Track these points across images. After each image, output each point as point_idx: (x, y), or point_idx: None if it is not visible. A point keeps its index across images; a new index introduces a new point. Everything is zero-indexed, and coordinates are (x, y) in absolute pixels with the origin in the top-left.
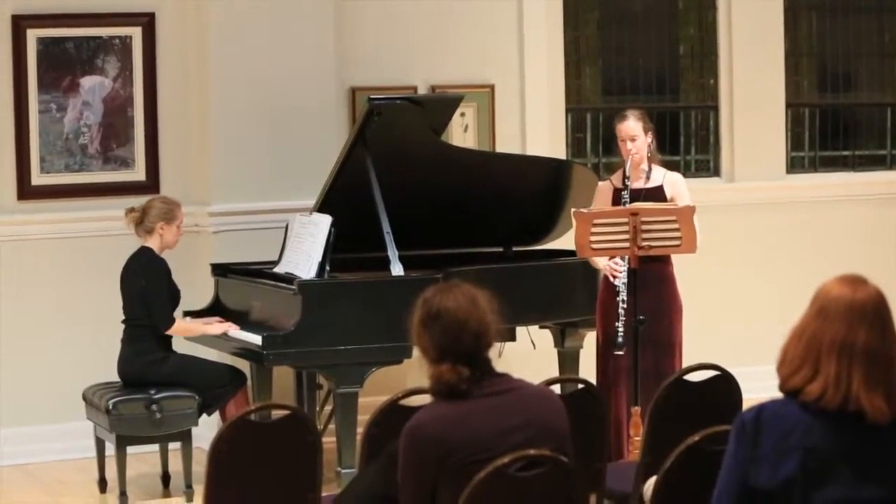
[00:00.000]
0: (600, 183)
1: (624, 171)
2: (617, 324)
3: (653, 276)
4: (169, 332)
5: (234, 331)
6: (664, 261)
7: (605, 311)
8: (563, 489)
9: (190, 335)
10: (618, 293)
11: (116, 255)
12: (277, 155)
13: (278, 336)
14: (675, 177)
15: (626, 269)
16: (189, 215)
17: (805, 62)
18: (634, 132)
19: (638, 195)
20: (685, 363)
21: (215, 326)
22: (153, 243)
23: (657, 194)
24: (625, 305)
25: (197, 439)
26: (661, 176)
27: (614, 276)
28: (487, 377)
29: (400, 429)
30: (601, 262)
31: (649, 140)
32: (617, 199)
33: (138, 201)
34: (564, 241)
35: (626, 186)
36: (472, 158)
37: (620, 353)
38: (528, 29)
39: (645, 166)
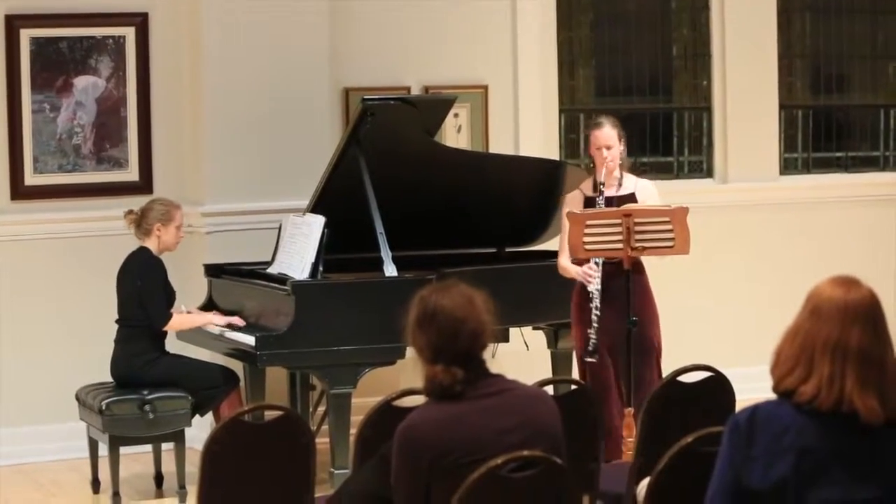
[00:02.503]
0: (569, 194)
1: (596, 179)
2: (590, 331)
3: (630, 283)
4: (168, 328)
5: (238, 324)
6: (640, 269)
7: (581, 317)
8: (556, 490)
9: (190, 327)
10: (591, 300)
11: (110, 255)
12: (271, 155)
13: (271, 337)
14: (646, 183)
15: (599, 274)
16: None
17: (798, 63)
18: (610, 141)
19: (610, 203)
20: (675, 365)
21: (219, 318)
22: (151, 244)
23: (628, 202)
24: (598, 312)
25: (190, 440)
26: (632, 183)
27: (588, 282)
28: (482, 378)
29: (393, 430)
30: (573, 270)
31: (622, 147)
32: (589, 207)
33: (132, 202)
34: (558, 243)
35: (600, 192)
36: (466, 159)
37: (593, 360)
38: (521, 30)
39: (617, 173)
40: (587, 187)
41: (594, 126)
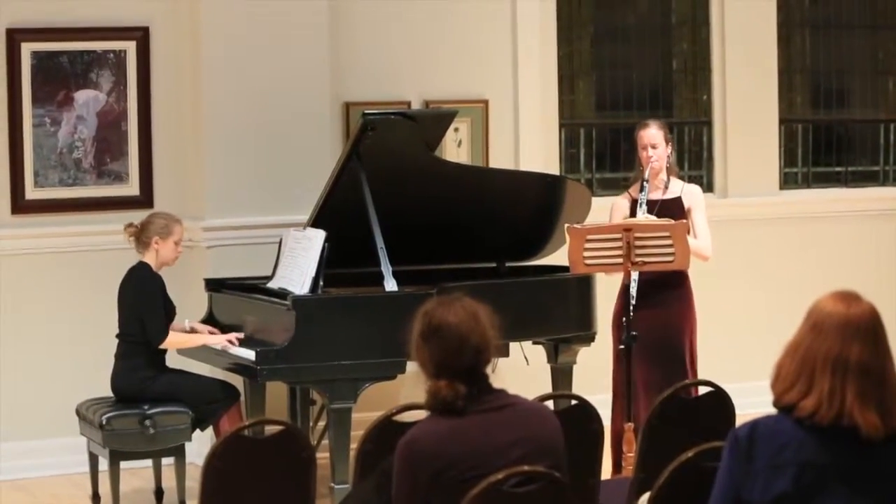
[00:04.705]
0: (616, 198)
1: (642, 180)
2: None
3: (667, 288)
4: (164, 346)
5: (235, 344)
6: (680, 280)
7: (619, 325)
8: None
9: (187, 347)
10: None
11: (110, 269)
12: (271, 170)
13: (272, 351)
14: (694, 188)
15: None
16: None
17: (798, 78)
18: (655, 140)
19: (654, 206)
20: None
21: (216, 338)
22: (150, 258)
23: (675, 205)
24: (634, 302)
25: (190, 455)
26: (679, 188)
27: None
28: (484, 393)
29: (393, 445)
30: None
31: (669, 151)
32: (634, 209)
33: (132, 216)
34: (558, 257)
35: (643, 188)
36: (466, 174)
37: (622, 346)
38: (521, 44)
39: (664, 176)
40: (635, 190)
41: (641, 126)
